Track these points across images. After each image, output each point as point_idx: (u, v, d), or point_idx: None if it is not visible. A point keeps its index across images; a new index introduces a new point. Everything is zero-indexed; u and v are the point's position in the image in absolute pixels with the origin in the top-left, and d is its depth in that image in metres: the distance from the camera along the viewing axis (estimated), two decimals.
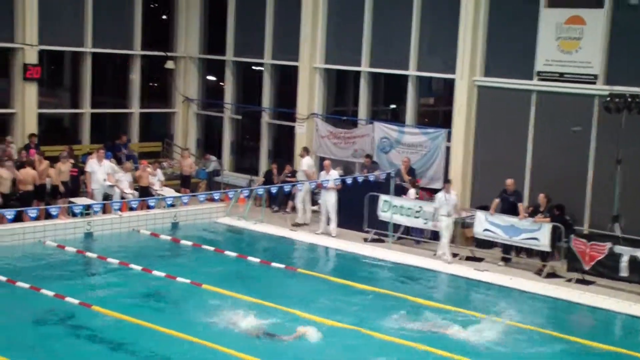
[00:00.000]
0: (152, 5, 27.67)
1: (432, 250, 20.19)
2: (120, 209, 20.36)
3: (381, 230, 21.11)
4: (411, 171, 22.13)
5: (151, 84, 28.16)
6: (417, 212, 20.54)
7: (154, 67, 27.60)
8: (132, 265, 17.82)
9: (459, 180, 21.37)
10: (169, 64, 27.42)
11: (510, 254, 19.75)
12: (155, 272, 17.37)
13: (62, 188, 20.94)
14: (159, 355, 13.09)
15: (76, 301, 15.20)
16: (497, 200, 19.70)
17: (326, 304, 16.08)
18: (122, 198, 21.50)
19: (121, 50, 26.71)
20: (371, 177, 21.31)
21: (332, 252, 20.52)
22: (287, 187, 21.96)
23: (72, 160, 21.86)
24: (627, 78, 19.45)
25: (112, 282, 17.09)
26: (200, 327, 14.23)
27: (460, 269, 18.97)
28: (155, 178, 22.98)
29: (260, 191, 21.93)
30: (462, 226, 20.49)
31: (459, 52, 21.73)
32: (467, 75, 21.65)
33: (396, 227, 20.94)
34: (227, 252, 19.40)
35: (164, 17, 28.03)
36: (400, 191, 21.33)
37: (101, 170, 21.61)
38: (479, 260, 19.72)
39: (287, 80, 26.25)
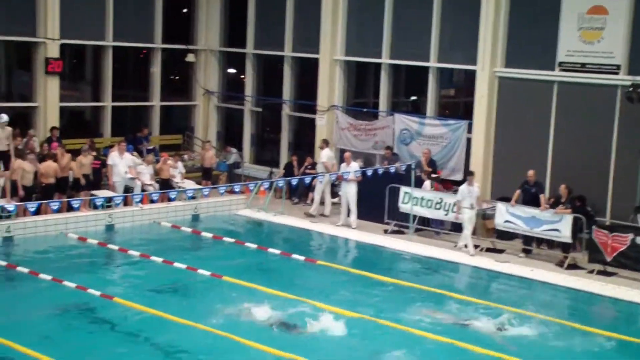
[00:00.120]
0: None
1: (452, 242, 20.15)
2: (141, 202, 20.45)
3: (402, 222, 21.08)
4: (432, 163, 22.07)
5: (172, 77, 28.24)
6: (438, 203, 20.50)
7: (175, 60, 27.66)
8: (153, 258, 17.88)
9: (480, 171, 21.29)
10: (190, 57, 27.48)
11: (531, 245, 19.65)
12: (176, 264, 17.42)
13: (83, 181, 21.03)
14: (180, 347, 13.13)
15: (98, 293, 15.28)
16: (518, 192, 19.63)
17: (346, 295, 16.09)
18: (143, 190, 21.59)
19: (142, 43, 26.80)
20: (392, 169, 21.26)
21: (352, 243, 20.51)
22: (307, 179, 21.97)
23: (94, 153, 21.96)
24: None
25: (133, 274, 17.15)
26: (221, 319, 14.26)
27: (481, 260, 18.90)
28: (176, 170, 23.06)
29: (281, 183, 21.97)
30: (483, 218, 20.42)
31: (480, 43, 21.62)
32: (488, 67, 21.54)
33: (416, 219, 20.92)
34: (248, 244, 19.43)
35: (185, 10, 28.05)
36: (421, 183, 21.28)
37: (122, 163, 21.68)
38: (500, 251, 19.64)
39: (307, 72, 26.24)
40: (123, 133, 25.11)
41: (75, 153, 21.66)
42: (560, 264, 18.77)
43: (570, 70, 20.55)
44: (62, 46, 24.22)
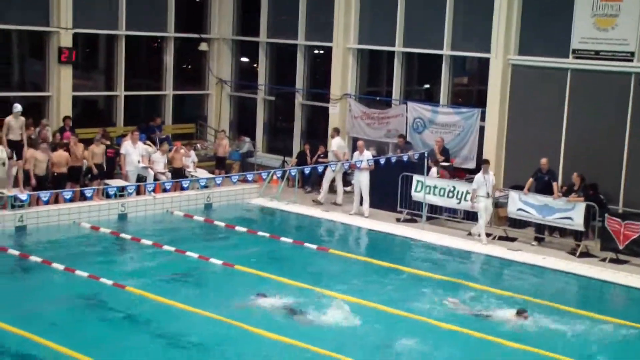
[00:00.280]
0: None
1: (465, 230, 20.13)
2: (153, 191, 20.49)
3: (414, 211, 21.06)
4: (445, 151, 22.02)
5: (185, 66, 28.22)
6: (451, 192, 20.46)
7: (188, 49, 27.64)
8: (166, 247, 17.91)
9: (493, 159, 21.20)
10: (203, 46, 27.46)
11: (543, 233, 19.62)
12: (189, 253, 17.44)
13: (95, 170, 21.08)
14: (192, 336, 13.16)
15: (110, 282, 15.32)
16: (531, 180, 19.57)
17: (358, 284, 16.10)
18: (156, 179, 21.64)
19: (155, 32, 26.77)
20: (404, 158, 21.22)
21: (364, 232, 20.51)
22: (320, 168, 21.94)
23: (107, 142, 22.01)
24: None
25: (146, 263, 17.20)
26: (232, 308, 14.28)
27: (494, 248, 18.88)
28: (189, 159, 23.10)
29: (293, 172, 21.97)
30: (496, 206, 20.36)
31: (494, 31, 21.53)
32: (502, 54, 21.46)
33: (429, 207, 20.89)
34: (260, 233, 19.45)
35: None
36: (429, 171, 21.26)
37: (135, 152, 21.72)
38: (512, 240, 19.61)
39: (320, 61, 26.20)
40: (136, 122, 25.10)
41: (88, 142, 21.69)
42: (572, 252, 18.73)
43: (584, 58, 20.43)
44: (75, 35, 24.22)
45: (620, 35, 19.84)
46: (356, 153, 21.78)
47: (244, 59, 28.47)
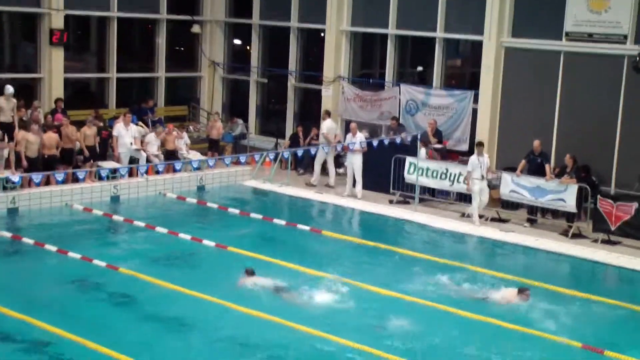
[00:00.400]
0: None
1: (457, 212, 20.17)
2: (146, 173, 20.45)
3: (407, 193, 21.08)
4: (438, 133, 22.02)
5: (177, 48, 28.10)
6: (443, 174, 20.48)
7: (180, 31, 27.53)
8: (158, 228, 17.89)
9: (485, 141, 21.13)
10: (195, 28, 27.36)
11: (536, 215, 19.67)
12: (182, 235, 17.45)
13: (86, 152, 21.03)
14: (185, 317, 13.17)
15: (103, 264, 15.32)
16: (524, 162, 19.61)
17: (351, 265, 16.14)
18: (149, 161, 21.59)
19: (147, 14, 26.66)
20: (397, 140, 21.21)
21: (357, 214, 20.51)
22: (312, 150, 21.93)
23: (100, 124, 21.95)
24: None
25: (139, 245, 17.18)
26: (226, 289, 14.28)
27: (486, 230, 18.92)
28: (181, 142, 23.06)
29: (286, 154, 21.96)
30: (488, 187, 20.38)
31: (487, 13, 21.48)
32: (495, 37, 21.42)
33: (422, 189, 20.92)
34: (253, 215, 19.45)
35: None
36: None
37: (128, 135, 21.67)
38: (505, 221, 19.65)
39: (313, 43, 26.14)
40: (128, 104, 25.05)
41: (80, 124, 21.63)
42: (564, 233, 18.78)
43: (577, 40, 20.43)
44: (67, 17, 24.13)
45: (613, 17, 19.83)
46: (349, 135, 21.76)
47: (237, 41, 28.39)
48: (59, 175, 18.80)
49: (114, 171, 20.26)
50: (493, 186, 20.19)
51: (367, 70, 25.55)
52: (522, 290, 14.33)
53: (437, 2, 22.68)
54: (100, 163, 21.15)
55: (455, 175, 20.24)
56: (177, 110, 27.53)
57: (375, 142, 21.11)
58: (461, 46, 24.11)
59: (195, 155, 23.03)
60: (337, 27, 24.51)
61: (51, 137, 20.30)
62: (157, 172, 20.80)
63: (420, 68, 24.76)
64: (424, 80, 24.12)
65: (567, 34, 20.58)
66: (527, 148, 19.79)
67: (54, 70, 23.88)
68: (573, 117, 20.58)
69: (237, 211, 19.78)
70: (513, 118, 21.52)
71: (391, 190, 21.33)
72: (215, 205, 20.22)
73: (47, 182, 19.44)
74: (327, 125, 23.03)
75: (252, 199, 21.78)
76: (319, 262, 15.91)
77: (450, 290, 14.85)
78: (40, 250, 16.18)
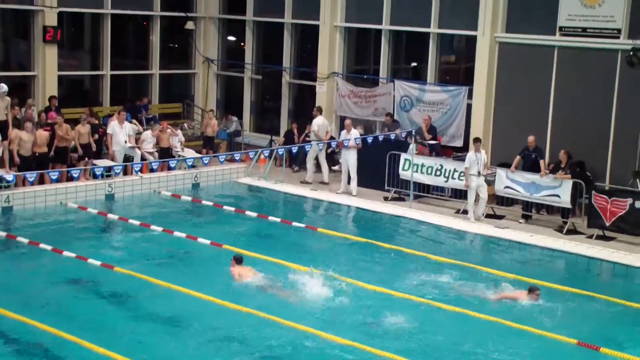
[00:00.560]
0: None
1: (452, 208, 20.17)
2: (140, 171, 20.43)
3: (402, 189, 21.07)
4: (432, 129, 22.02)
5: (171, 45, 28.04)
6: (438, 170, 20.47)
7: (174, 28, 27.46)
8: (153, 227, 17.87)
9: (480, 137, 21.20)
10: (189, 25, 27.30)
11: (530, 211, 19.68)
12: (176, 233, 17.43)
13: (80, 151, 21.00)
14: (180, 315, 13.17)
15: (98, 262, 15.30)
16: (518, 157, 19.62)
17: (346, 262, 16.12)
18: (143, 159, 21.57)
19: (141, 11, 26.63)
20: (392, 136, 21.21)
21: (352, 211, 20.50)
22: (307, 147, 21.92)
23: (95, 121, 21.90)
24: None
25: (134, 243, 17.16)
26: (222, 287, 14.31)
27: (481, 226, 18.92)
28: (176, 139, 23.03)
29: (281, 151, 21.95)
30: (486, 184, 20.40)
31: (481, 8, 21.48)
32: (489, 32, 21.42)
33: (417, 186, 20.91)
34: (248, 212, 19.44)
35: None
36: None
37: (122, 132, 21.63)
38: (500, 217, 19.66)
39: (307, 39, 26.10)
40: (122, 102, 25.00)
41: (74, 122, 21.58)
42: (559, 229, 18.80)
43: (570, 35, 20.43)
44: (60, 14, 24.07)
45: (607, 12, 19.83)
46: (344, 132, 21.74)
47: (231, 38, 28.36)
48: (54, 174, 18.76)
49: (109, 169, 20.24)
50: (488, 182, 20.18)
51: (361, 66, 25.56)
52: (532, 290, 14.25)
53: None
54: (94, 161, 21.11)
55: (450, 171, 20.23)
56: (171, 108, 27.49)
57: (370, 139, 21.09)
58: (455, 42, 24.09)
59: (190, 153, 23.00)
60: (331, 22, 24.49)
61: (42, 134, 20.27)
62: (152, 170, 20.78)
63: (414, 64, 24.78)
64: (418, 76, 24.12)
65: (560, 28, 20.58)
66: (521, 144, 19.80)
67: (47, 68, 23.84)
68: (567, 112, 20.58)
69: (232, 209, 19.77)
70: (507, 113, 21.52)
71: (386, 187, 21.33)
72: (210, 203, 20.20)
73: (42, 180, 19.40)
74: (318, 122, 22.99)
75: (247, 196, 21.77)
76: (314, 260, 15.85)
77: (445, 287, 14.83)
78: (35, 249, 16.15)
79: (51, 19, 23.75)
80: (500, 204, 20.10)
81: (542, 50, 20.91)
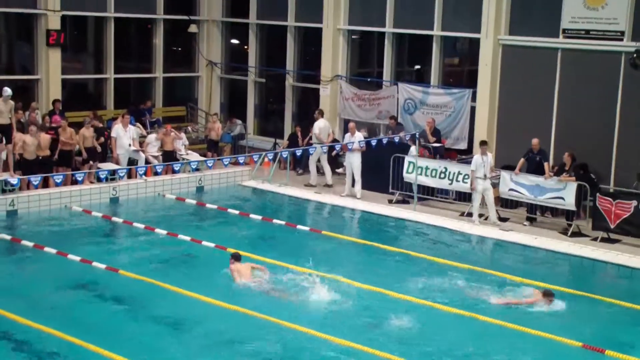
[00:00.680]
0: None
1: (457, 211, 20.16)
2: (145, 174, 20.44)
3: (406, 192, 21.06)
4: (436, 132, 22.01)
5: (174, 48, 28.07)
6: (442, 172, 20.45)
7: (177, 31, 27.49)
8: (158, 230, 17.87)
9: (486, 140, 21.21)
10: (192, 28, 27.32)
11: (535, 213, 19.66)
12: (181, 236, 17.43)
13: (84, 154, 21.02)
14: (185, 319, 13.15)
15: (103, 266, 15.31)
16: (522, 160, 19.60)
17: (350, 265, 16.15)
18: (147, 163, 21.58)
19: (144, 14, 26.65)
20: (396, 139, 21.21)
21: (357, 214, 20.49)
22: (311, 150, 21.91)
23: (100, 124, 21.91)
24: None
25: (138, 246, 17.16)
26: (225, 290, 14.31)
27: (485, 229, 18.91)
28: (180, 142, 23.04)
29: (285, 154, 21.94)
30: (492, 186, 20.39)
31: (484, 11, 21.49)
32: (492, 34, 21.43)
33: (421, 188, 20.89)
34: (252, 215, 19.45)
35: None
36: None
37: (126, 136, 21.66)
38: (504, 220, 19.64)
39: (311, 42, 26.11)
40: (126, 105, 25.04)
41: (78, 126, 21.60)
42: (564, 231, 18.78)
43: (574, 37, 20.44)
44: (63, 18, 24.10)
45: (610, 14, 19.83)
46: (347, 135, 21.73)
47: (234, 41, 28.36)
48: (58, 177, 18.77)
49: (113, 173, 20.24)
50: (492, 185, 20.17)
51: (365, 69, 25.54)
52: (547, 294, 14.19)
53: (434, 0, 22.67)
54: (99, 164, 21.12)
55: (454, 174, 20.21)
56: (175, 111, 27.51)
57: (373, 142, 21.07)
58: (459, 44, 24.11)
59: (194, 156, 23.01)
60: (335, 25, 24.50)
61: (44, 138, 20.28)
62: (156, 173, 20.78)
63: (417, 67, 24.78)
64: (421, 78, 24.13)
65: (564, 30, 20.58)
66: (525, 146, 19.78)
67: (51, 71, 23.85)
68: (571, 115, 20.58)
69: (236, 212, 19.77)
70: (511, 116, 21.52)
71: (390, 190, 21.32)
72: (214, 206, 20.21)
73: (46, 184, 19.42)
74: (319, 125, 22.97)
75: (251, 199, 21.75)
76: (318, 262, 15.84)
77: (449, 289, 14.82)
78: (39, 253, 16.17)
79: (54, 23, 23.77)
80: (504, 207, 20.08)
81: (546, 53, 20.91)
